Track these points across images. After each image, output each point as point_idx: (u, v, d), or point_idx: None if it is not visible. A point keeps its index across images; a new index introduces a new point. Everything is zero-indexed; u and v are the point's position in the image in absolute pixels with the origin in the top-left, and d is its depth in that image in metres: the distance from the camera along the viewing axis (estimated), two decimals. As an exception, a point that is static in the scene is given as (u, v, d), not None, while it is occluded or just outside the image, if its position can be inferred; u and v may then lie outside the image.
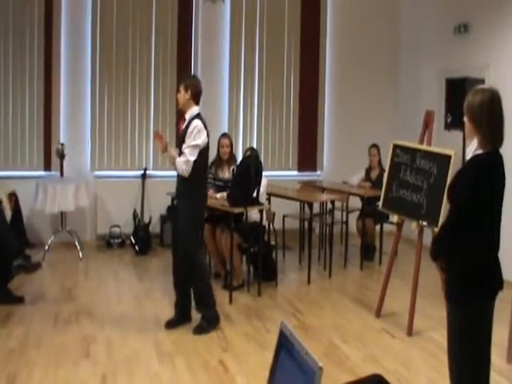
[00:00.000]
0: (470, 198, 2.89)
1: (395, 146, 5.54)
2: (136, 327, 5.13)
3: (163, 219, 8.00)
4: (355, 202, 7.52)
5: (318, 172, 8.90)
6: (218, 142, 6.53)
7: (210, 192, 6.08)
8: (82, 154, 8.03)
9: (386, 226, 7.55)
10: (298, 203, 7.52)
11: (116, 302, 5.84)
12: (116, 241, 7.92)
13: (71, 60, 7.92)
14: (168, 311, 5.50)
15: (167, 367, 4.36)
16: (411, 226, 5.20)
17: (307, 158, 8.83)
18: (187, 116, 5.02)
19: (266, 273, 6.33)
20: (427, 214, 4.99)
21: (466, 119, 2.98)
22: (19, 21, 7.65)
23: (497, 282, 2.99)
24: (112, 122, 8.10)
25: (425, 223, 4.98)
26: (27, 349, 4.58)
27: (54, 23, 7.76)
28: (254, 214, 6.22)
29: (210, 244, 6.38)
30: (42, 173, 7.86)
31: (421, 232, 5.17)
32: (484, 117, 2.89)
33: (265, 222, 6.43)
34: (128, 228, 7.91)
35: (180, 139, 5.07)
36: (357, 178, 7.84)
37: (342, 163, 8.68)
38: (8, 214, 6.99)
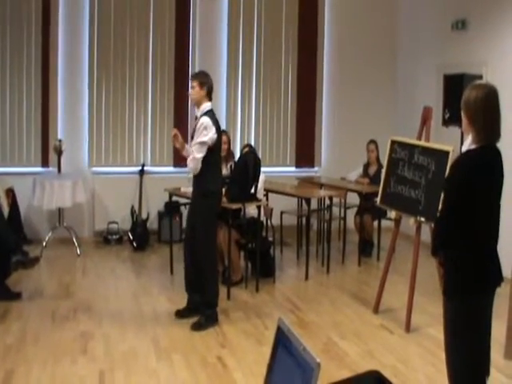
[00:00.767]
0: (459, 192, 2.90)
1: (393, 142, 5.53)
2: (134, 323, 5.13)
3: (161, 215, 7.99)
4: (353, 198, 7.51)
5: (316, 168, 8.89)
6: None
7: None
8: (79, 150, 8.01)
9: (384, 222, 7.56)
10: (295, 199, 7.52)
11: (114, 298, 5.83)
12: (114, 237, 7.92)
13: (69, 56, 7.90)
14: (166, 307, 5.51)
15: (165, 363, 4.36)
16: (409, 222, 5.20)
17: (305, 154, 8.82)
18: (199, 113, 5.05)
19: (263, 269, 6.33)
20: (425, 209, 4.99)
21: (462, 114, 2.99)
22: (16, 17, 7.62)
23: (494, 277, 2.99)
24: (110, 118, 8.08)
25: (423, 219, 4.98)
26: (25, 345, 4.58)
27: (52, 19, 7.74)
28: (251, 210, 6.22)
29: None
30: (39, 169, 7.85)
31: (419, 228, 5.17)
32: (478, 112, 2.89)
33: (263, 218, 6.44)
34: (126, 224, 7.90)
35: (192, 137, 5.08)
36: (355, 173, 7.84)
37: (339, 159, 8.67)
38: (5, 210, 6.99)
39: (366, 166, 7.82)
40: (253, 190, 6.02)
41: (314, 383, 1.55)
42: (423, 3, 8.34)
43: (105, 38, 7.95)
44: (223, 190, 5.99)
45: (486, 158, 2.93)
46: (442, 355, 3.14)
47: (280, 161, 8.77)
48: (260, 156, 6.40)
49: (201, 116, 4.98)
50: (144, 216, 7.88)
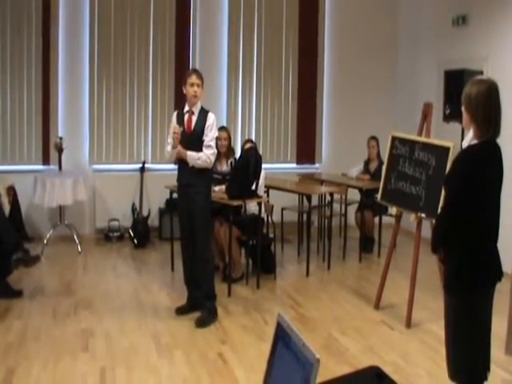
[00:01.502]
0: (460, 188, 2.90)
1: (394, 138, 5.53)
2: (135, 320, 5.13)
3: (162, 212, 8.00)
4: (354, 195, 7.52)
5: (317, 164, 8.89)
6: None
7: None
8: (80, 148, 8.01)
9: (385, 218, 7.56)
10: (296, 196, 7.51)
11: (115, 295, 5.83)
12: (115, 234, 7.92)
13: (69, 54, 7.89)
14: (167, 304, 5.51)
15: (166, 360, 4.36)
16: (410, 218, 5.20)
17: (306, 150, 8.82)
18: (195, 109, 5.08)
19: (264, 265, 6.34)
20: (426, 205, 4.98)
21: (463, 110, 2.99)
22: (17, 14, 7.61)
23: (494, 272, 2.99)
24: (110, 115, 8.08)
25: (423, 215, 4.98)
26: (26, 342, 4.59)
27: (52, 17, 7.72)
28: (252, 207, 6.23)
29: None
30: (40, 167, 7.85)
31: (419, 224, 5.16)
32: (479, 108, 2.89)
33: (263, 215, 6.44)
34: (126, 221, 7.91)
35: (193, 132, 5.08)
36: (356, 170, 7.84)
37: (340, 155, 8.67)
38: (6, 207, 6.98)
39: (367, 162, 7.82)
40: (254, 187, 6.02)
41: (313, 379, 1.55)
42: (424, -1, 8.33)
43: (105, 36, 7.94)
44: (224, 186, 6.02)
45: (486, 154, 2.93)
46: (443, 351, 3.14)
47: (281, 157, 8.76)
48: (261, 152, 6.40)
49: (204, 112, 5.06)
50: (145, 213, 7.88)
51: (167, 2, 8.11)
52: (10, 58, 7.65)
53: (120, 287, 6.09)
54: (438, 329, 4.71)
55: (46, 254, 7.10)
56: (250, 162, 5.93)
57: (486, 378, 3.04)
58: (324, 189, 7.34)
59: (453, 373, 3.05)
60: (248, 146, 6.45)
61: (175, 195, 6.79)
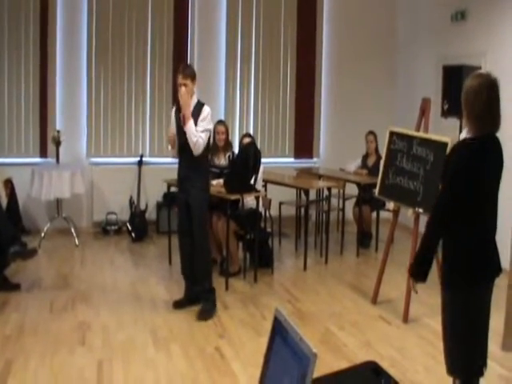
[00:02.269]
0: (453, 182, 2.89)
1: (392, 133, 5.53)
2: (132, 314, 5.14)
3: (159, 206, 7.99)
4: (352, 189, 7.52)
5: (315, 159, 8.88)
6: (214, 129, 6.49)
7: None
8: (77, 141, 7.99)
9: (383, 213, 7.56)
10: (294, 190, 7.51)
11: (112, 288, 5.83)
12: (112, 228, 7.92)
13: (67, 46, 7.85)
14: (164, 297, 5.51)
15: (163, 353, 4.36)
16: (407, 213, 5.21)
17: (304, 144, 8.81)
18: (191, 103, 5.02)
19: (262, 260, 6.34)
20: (423, 201, 4.99)
21: (462, 104, 2.97)
22: (14, 8, 7.58)
23: (492, 267, 2.99)
24: (108, 108, 8.06)
25: (421, 210, 4.98)
26: (23, 336, 4.59)
27: (50, 10, 7.69)
28: (250, 201, 6.22)
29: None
30: (37, 159, 7.82)
31: (417, 219, 5.16)
32: (476, 102, 2.87)
33: (261, 209, 6.44)
34: (124, 215, 7.90)
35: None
36: (353, 165, 7.84)
37: (338, 150, 8.66)
38: (4, 200, 6.99)
39: (365, 157, 7.81)
40: (252, 181, 6.01)
41: (310, 373, 1.55)
42: (423, -6, 8.31)
43: (103, 30, 7.91)
44: (221, 180, 6.02)
45: (483, 149, 2.91)
46: (440, 346, 3.15)
47: (279, 152, 8.76)
48: (258, 147, 6.40)
49: (201, 104, 5.02)
50: (142, 207, 7.87)
51: (166, -5, 8.10)
52: (7, 52, 7.61)
53: (117, 281, 6.09)
54: (435, 324, 4.72)
55: (44, 247, 7.09)
56: (250, 157, 5.92)
57: (482, 374, 3.04)
58: (322, 183, 7.34)
59: (450, 367, 3.05)
60: (247, 140, 6.44)
61: (173, 189, 6.81)
